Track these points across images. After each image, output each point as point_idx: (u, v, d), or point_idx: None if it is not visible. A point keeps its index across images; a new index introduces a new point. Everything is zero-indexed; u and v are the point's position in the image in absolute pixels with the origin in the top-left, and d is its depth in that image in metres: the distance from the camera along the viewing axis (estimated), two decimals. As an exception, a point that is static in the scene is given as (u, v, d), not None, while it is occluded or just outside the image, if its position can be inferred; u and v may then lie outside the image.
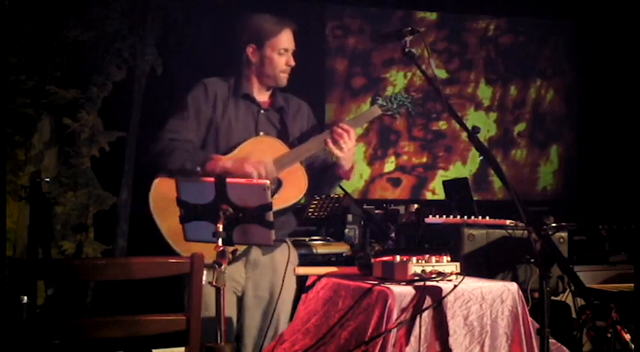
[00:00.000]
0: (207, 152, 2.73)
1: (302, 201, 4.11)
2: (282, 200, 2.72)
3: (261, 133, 2.86)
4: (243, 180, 2.40)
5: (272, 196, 2.64)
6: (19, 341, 1.93)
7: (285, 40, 2.88)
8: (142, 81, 5.51)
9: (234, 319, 2.80)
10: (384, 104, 2.89)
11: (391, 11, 6.58)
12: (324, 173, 2.90)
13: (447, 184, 4.13)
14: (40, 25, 5.13)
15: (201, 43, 5.36)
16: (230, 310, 2.76)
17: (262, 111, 2.89)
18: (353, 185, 6.16)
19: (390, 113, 2.91)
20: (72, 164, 5.34)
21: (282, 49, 2.86)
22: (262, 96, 2.93)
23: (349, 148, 2.77)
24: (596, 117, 6.74)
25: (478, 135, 2.35)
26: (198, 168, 2.65)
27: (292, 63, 2.90)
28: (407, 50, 2.52)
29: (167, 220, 2.59)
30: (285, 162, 2.76)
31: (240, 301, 2.82)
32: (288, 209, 2.78)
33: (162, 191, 2.66)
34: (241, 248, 2.59)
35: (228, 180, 2.25)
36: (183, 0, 5.54)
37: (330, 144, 2.76)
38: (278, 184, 2.73)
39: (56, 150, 5.35)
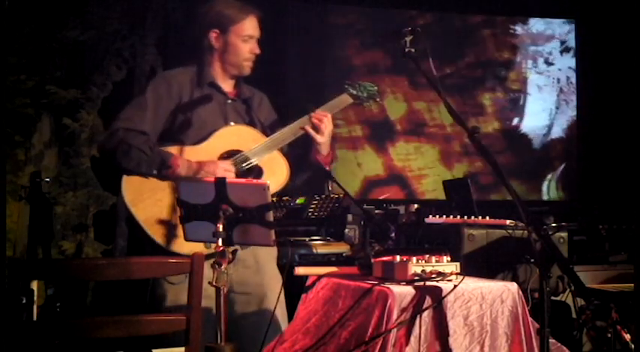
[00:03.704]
0: (165, 154, 2.65)
1: (302, 202, 4.10)
2: None
3: (232, 123, 2.82)
4: (243, 181, 2.40)
5: None
6: (19, 341, 1.93)
7: (250, 26, 2.81)
8: (142, 81, 5.51)
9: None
10: (355, 92, 2.89)
11: (393, 11, 6.57)
12: (300, 161, 2.88)
13: (447, 184, 4.13)
14: (40, 25, 5.13)
15: (202, 42, 5.36)
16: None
17: (229, 102, 2.85)
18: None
19: (358, 102, 2.92)
20: (72, 164, 5.33)
21: (246, 35, 2.80)
22: (227, 86, 2.87)
23: (329, 132, 2.78)
24: (596, 117, 6.74)
25: (477, 134, 2.35)
26: (154, 172, 2.61)
27: (257, 51, 2.83)
28: (407, 50, 2.52)
29: (143, 211, 2.57)
30: (261, 149, 2.73)
31: (227, 298, 2.79)
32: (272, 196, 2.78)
33: (133, 184, 2.62)
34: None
35: (228, 180, 2.25)
36: (183, 0, 5.55)
37: (311, 131, 2.75)
38: (258, 172, 2.71)
39: (56, 150, 5.34)
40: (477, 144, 2.34)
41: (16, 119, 5.06)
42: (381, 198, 4.81)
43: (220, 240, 2.17)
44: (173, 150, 2.69)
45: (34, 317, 3.46)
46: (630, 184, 5.74)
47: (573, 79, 7.06)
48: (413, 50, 2.51)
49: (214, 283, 2.12)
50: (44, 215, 4.48)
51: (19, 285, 1.95)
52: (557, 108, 7.04)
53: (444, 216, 3.32)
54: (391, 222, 4.20)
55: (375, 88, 2.96)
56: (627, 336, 3.33)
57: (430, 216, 3.35)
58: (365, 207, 4.41)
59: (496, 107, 6.88)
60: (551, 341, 2.25)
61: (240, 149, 2.73)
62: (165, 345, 2.33)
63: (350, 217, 4.50)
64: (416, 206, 4.43)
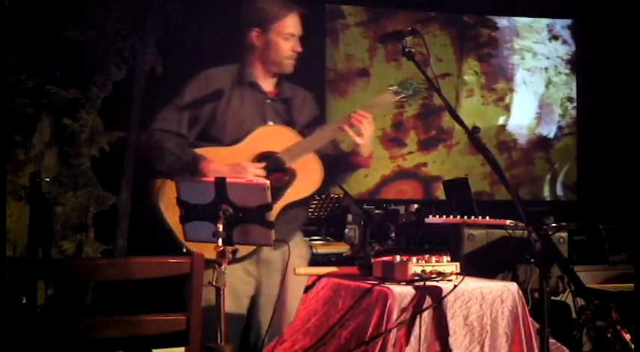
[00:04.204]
0: (197, 157, 2.64)
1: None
2: (296, 192, 2.67)
3: (270, 123, 2.79)
4: (243, 181, 2.40)
5: (286, 188, 2.62)
6: (19, 341, 1.93)
7: (292, 24, 2.77)
8: (142, 81, 5.51)
9: (242, 320, 2.76)
10: (400, 90, 2.78)
11: (392, 11, 6.56)
12: (339, 163, 2.83)
13: (447, 184, 4.13)
14: (40, 25, 5.13)
15: (202, 42, 5.37)
16: (243, 313, 2.75)
17: (268, 101, 2.81)
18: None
19: (404, 100, 2.80)
20: (72, 164, 5.34)
21: (287, 33, 2.76)
22: (268, 85, 2.83)
23: (369, 134, 2.69)
24: (596, 117, 6.74)
25: (478, 134, 2.35)
26: (187, 175, 2.60)
27: (299, 49, 2.80)
28: (407, 50, 2.51)
29: (176, 215, 2.56)
30: (297, 152, 2.68)
31: (253, 301, 2.78)
32: (301, 202, 2.73)
33: (170, 187, 2.59)
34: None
35: (228, 180, 2.24)
36: (183, 0, 5.55)
37: (349, 132, 2.68)
38: (292, 175, 2.66)
39: (56, 150, 5.35)
40: (478, 144, 2.34)
41: (16, 119, 5.07)
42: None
43: (220, 240, 2.16)
44: (208, 151, 2.67)
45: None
46: (630, 184, 5.74)
47: (562, 68, 6.95)
48: (413, 50, 2.51)
49: (214, 283, 2.12)
50: (44, 215, 4.48)
51: (19, 285, 1.95)
52: (544, 103, 6.90)
53: (444, 216, 3.32)
54: (391, 222, 4.20)
55: (422, 84, 2.79)
56: (627, 336, 3.33)
57: (430, 216, 3.35)
58: (365, 207, 4.41)
59: (480, 104, 6.77)
60: (551, 341, 2.25)
61: (275, 151, 2.68)
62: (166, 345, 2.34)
63: (350, 217, 4.51)
64: (416, 206, 4.43)
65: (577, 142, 6.95)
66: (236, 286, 2.68)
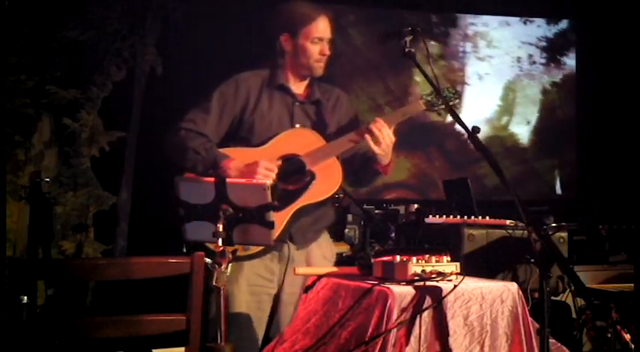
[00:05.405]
0: (219, 156, 2.67)
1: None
2: (314, 194, 2.70)
3: (297, 125, 2.82)
4: (243, 180, 2.40)
5: (305, 190, 2.66)
6: (19, 341, 1.93)
7: (320, 28, 2.81)
8: (142, 81, 5.52)
9: (265, 319, 2.77)
10: (430, 99, 2.79)
11: (392, 11, 6.55)
12: (364, 167, 2.86)
13: (447, 184, 4.13)
14: (40, 25, 5.13)
15: (202, 43, 5.37)
16: (263, 311, 2.77)
17: (297, 104, 2.84)
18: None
19: (435, 109, 2.80)
20: (72, 164, 5.34)
21: (316, 37, 2.79)
22: (298, 87, 2.86)
23: (387, 144, 2.72)
24: (597, 117, 6.73)
25: (478, 135, 2.35)
26: (210, 172, 2.63)
27: (327, 52, 2.83)
28: (407, 50, 2.52)
29: None
30: (319, 156, 2.72)
31: (277, 297, 2.79)
32: (322, 202, 2.75)
33: None
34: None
35: (228, 180, 2.25)
36: (183, 0, 5.55)
37: (368, 139, 2.71)
38: (311, 178, 2.70)
39: (56, 150, 5.35)
40: (477, 144, 2.34)
41: (16, 119, 5.07)
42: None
43: (220, 240, 2.16)
44: (234, 151, 2.70)
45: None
46: (630, 184, 5.74)
47: (537, 57, 6.74)
48: (412, 50, 2.51)
49: (214, 283, 2.12)
50: (44, 215, 4.49)
51: (19, 285, 1.95)
52: (512, 96, 6.58)
53: (444, 216, 3.32)
54: (391, 222, 4.20)
55: (454, 91, 2.83)
56: (627, 336, 3.33)
57: (430, 216, 3.35)
58: (365, 207, 4.41)
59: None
60: (551, 341, 2.25)
61: (298, 153, 2.72)
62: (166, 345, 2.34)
63: (350, 217, 4.50)
64: (416, 206, 4.43)
65: (577, 142, 6.94)
66: (255, 283, 2.74)
